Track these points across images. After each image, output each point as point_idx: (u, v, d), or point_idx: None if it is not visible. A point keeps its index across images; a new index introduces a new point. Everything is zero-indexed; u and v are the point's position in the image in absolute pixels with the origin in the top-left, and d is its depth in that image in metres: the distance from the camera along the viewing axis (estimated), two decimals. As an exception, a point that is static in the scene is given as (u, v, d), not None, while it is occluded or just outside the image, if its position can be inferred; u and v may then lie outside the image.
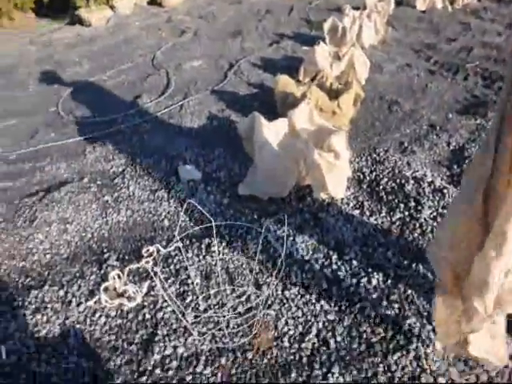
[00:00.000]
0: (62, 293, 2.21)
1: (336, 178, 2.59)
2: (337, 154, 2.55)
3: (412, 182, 2.72)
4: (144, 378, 1.80)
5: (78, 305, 2.15)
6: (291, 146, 2.65)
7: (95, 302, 2.14)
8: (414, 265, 2.16)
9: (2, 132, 4.12)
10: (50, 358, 1.92)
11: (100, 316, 2.09)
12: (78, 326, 2.05)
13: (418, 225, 2.41)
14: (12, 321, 2.10)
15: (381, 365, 1.75)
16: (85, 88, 5.04)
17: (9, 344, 1.98)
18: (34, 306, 2.16)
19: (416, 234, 2.35)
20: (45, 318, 2.10)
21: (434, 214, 2.46)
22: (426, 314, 1.91)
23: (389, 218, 2.48)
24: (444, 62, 4.73)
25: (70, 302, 2.17)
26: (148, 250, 2.38)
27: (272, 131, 2.92)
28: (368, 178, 2.85)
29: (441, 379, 1.67)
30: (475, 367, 1.69)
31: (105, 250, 2.48)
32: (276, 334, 1.91)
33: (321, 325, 1.93)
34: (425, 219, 2.44)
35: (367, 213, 2.54)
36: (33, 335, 2.03)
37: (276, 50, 5.60)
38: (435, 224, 2.38)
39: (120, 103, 4.46)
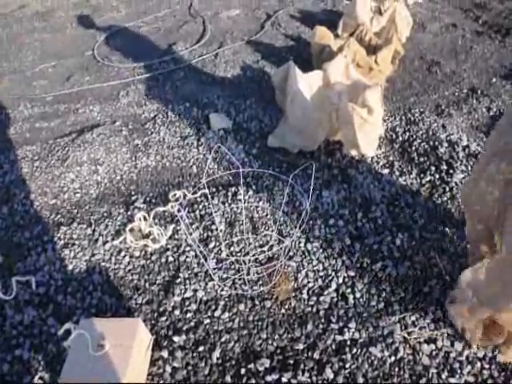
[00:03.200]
0: (89, 231, 2.27)
1: (367, 134, 2.53)
2: (370, 110, 2.47)
3: (446, 145, 2.63)
4: (163, 318, 1.86)
5: (104, 243, 2.20)
6: (324, 98, 2.58)
7: (121, 242, 2.19)
8: (440, 228, 2.12)
9: (40, 74, 4.15)
10: (75, 292, 1.99)
11: (124, 256, 2.14)
12: (103, 263, 2.11)
13: (448, 188, 2.34)
14: (42, 254, 2.17)
15: (398, 324, 1.74)
16: (121, 33, 4.99)
17: (38, 276, 2.06)
18: (62, 242, 2.23)
19: (445, 198, 2.29)
20: (72, 254, 2.16)
21: (467, 178, 2.39)
22: (447, 278, 1.89)
23: (419, 180, 2.42)
24: (493, 22, 4.46)
25: (97, 240, 2.23)
26: (175, 195, 2.41)
27: (306, 83, 2.85)
28: (400, 138, 2.77)
29: (457, 344, 1.66)
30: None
31: (133, 193, 2.51)
32: (295, 285, 1.93)
33: (341, 280, 1.93)
34: (456, 183, 2.36)
35: (397, 173, 2.48)
36: (60, 269, 2.10)
37: (315, 2, 5.39)
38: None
39: (155, 49, 4.42)
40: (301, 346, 1.70)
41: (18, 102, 3.59)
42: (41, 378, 1.68)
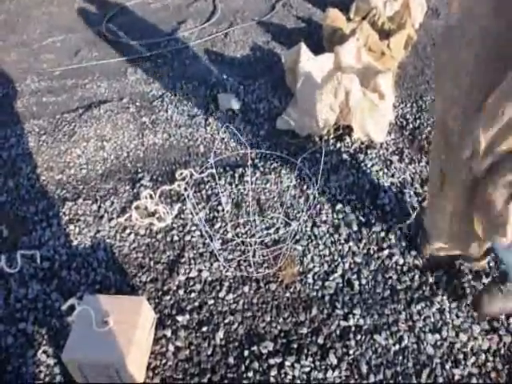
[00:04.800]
0: (95, 207, 2.26)
1: (378, 120, 2.49)
2: (381, 95, 2.44)
3: (458, 132, 2.59)
4: (167, 297, 1.85)
5: (110, 220, 2.19)
6: (335, 82, 2.54)
7: (126, 219, 2.18)
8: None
9: (48, 48, 4.10)
10: (79, 268, 1.99)
11: (130, 233, 2.13)
12: (107, 240, 2.11)
13: (458, 177, 2.31)
14: (47, 229, 2.16)
15: (403, 312, 1.73)
16: (130, 9, 4.92)
17: (43, 250, 2.06)
18: (67, 218, 2.22)
19: (456, 187, 2.26)
20: (77, 230, 2.16)
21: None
22: (454, 270, 1.87)
23: (428, 169, 2.39)
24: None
25: (102, 216, 2.21)
26: (181, 174, 2.39)
27: (317, 65, 2.81)
28: (411, 125, 2.73)
29: (462, 335, 1.65)
30: (499, 328, 1.66)
31: (139, 170, 2.49)
32: (301, 269, 1.92)
33: (347, 266, 1.92)
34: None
35: (406, 160, 2.45)
36: (65, 245, 2.09)
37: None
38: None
39: (164, 27, 4.35)
40: (305, 331, 1.69)
41: (25, 76, 3.55)
42: (44, 352, 1.68)
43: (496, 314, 1.66)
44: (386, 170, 2.38)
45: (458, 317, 1.70)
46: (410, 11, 3.88)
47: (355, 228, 2.07)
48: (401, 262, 1.92)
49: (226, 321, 1.74)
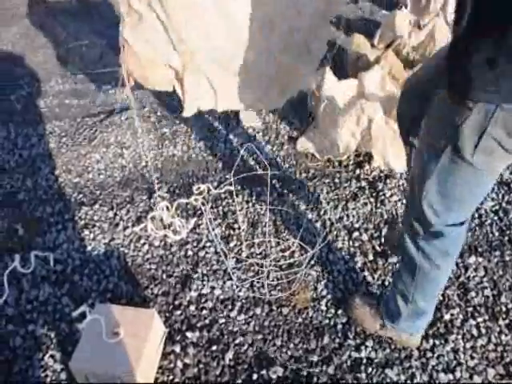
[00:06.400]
0: (111, 214, 2.26)
1: (399, 150, 2.49)
2: (405, 126, 2.43)
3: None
4: (178, 312, 1.84)
5: (125, 229, 2.19)
6: (359, 108, 2.54)
7: (141, 229, 2.17)
8: (466, 256, 2.07)
9: (74, 50, 4.14)
10: (92, 274, 1.98)
11: (144, 243, 2.12)
12: (121, 248, 2.10)
13: (477, 215, 2.29)
14: (62, 232, 2.16)
15: (416, 349, 1.71)
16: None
17: (57, 253, 2.06)
18: (83, 222, 2.22)
19: (473, 225, 2.24)
20: (92, 236, 2.15)
21: (497, 207, 2.33)
22: (470, 309, 1.84)
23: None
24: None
25: (118, 224, 2.21)
26: (199, 188, 2.39)
27: (340, 90, 2.82)
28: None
29: (476, 377, 1.62)
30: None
31: (156, 181, 2.48)
32: (314, 295, 1.90)
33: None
34: (485, 211, 2.32)
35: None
36: (79, 249, 2.09)
37: (352, 9, 5.33)
38: (496, 218, 2.26)
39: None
40: (315, 359, 1.67)
41: (50, 77, 3.58)
42: (52, 356, 1.67)
43: None
44: (404, 201, 2.36)
45: (472, 358, 1.67)
46: (434, 42, 3.90)
47: (371, 257, 2.05)
48: (415, 296, 1.89)
49: (237, 341, 1.72)
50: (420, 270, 1.43)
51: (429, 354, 1.68)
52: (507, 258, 2.05)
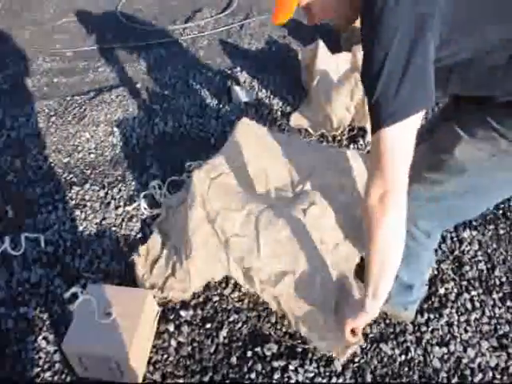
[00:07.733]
0: (102, 193, 2.23)
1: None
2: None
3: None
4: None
5: (117, 208, 2.16)
6: (353, 82, 2.49)
7: (134, 208, 2.15)
8: (461, 230, 2.06)
9: (61, 28, 4.06)
10: (83, 255, 1.96)
11: (136, 222, 2.10)
12: (113, 228, 2.07)
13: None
14: (52, 213, 2.13)
15: (410, 324, 1.70)
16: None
17: (47, 235, 2.03)
18: (74, 202, 2.19)
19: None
20: (83, 216, 2.12)
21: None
22: (465, 283, 1.84)
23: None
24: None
25: (109, 203, 2.18)
26: (191, 165, 2.35)
27: (333, 63, 2.78)
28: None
29: (470, 350, 1.62)
30: (509, 346, 1.63)
31: (148, 159, 2.45)
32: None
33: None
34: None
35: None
36: (70, 230, 2.06)
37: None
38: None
39: (179, 14, 4.30)
40: (310, 335, 1.66)
41: (37, 55, 3.51)
42: (44, 338, 1.65)
43: None
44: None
45: (466, 331, 1.66)
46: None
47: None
48: (410, 270, 1.89)
49: (231, 319, 1.71)
50: None
51: (423, 328, 1.67)
52: (501, 232, 2.04)
